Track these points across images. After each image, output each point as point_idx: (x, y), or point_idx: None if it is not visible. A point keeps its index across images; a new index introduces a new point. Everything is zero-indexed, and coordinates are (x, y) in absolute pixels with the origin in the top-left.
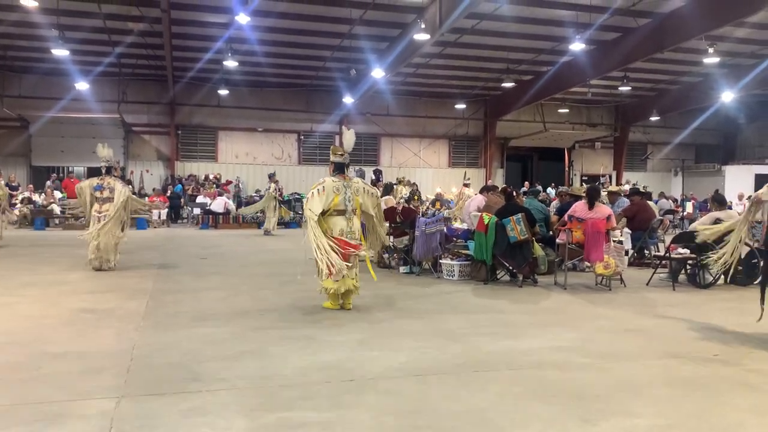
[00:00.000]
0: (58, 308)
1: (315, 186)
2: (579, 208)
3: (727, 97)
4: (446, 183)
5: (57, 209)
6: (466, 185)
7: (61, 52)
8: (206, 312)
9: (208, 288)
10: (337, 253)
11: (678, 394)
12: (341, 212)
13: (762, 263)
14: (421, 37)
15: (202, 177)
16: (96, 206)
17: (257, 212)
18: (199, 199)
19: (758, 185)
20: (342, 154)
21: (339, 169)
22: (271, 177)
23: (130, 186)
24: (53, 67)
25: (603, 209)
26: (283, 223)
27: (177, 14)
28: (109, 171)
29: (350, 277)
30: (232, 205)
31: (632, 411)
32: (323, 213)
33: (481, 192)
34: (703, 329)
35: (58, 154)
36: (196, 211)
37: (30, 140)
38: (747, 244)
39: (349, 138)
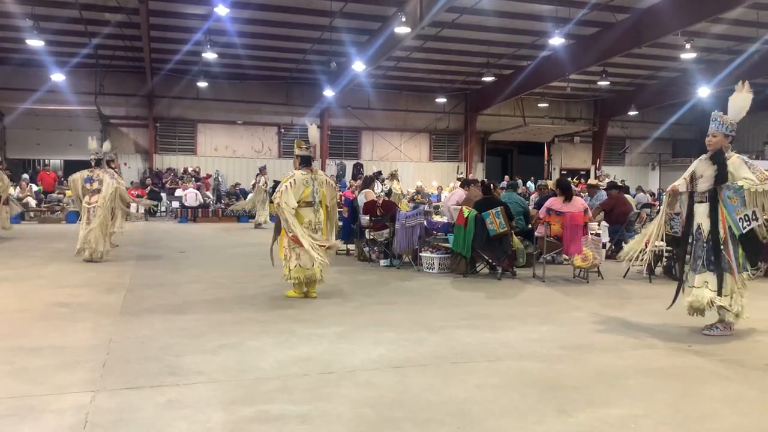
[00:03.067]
0: (33, 302)
1: (286, 179)
2: (556, 201)
3: (704, 92)
4: (427, 177)
5: (32, 202)
6: (459, 179)
7: (35, 43)
8: (184, 305)
9: (187, 281)
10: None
11: (653, 385)
12: (309, 204)
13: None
14: (401, 30)
15: (181, 170)
16: (86, 198)
17: (249, 207)
18: (178, 192)
19: None
20: (308, 148)
21: (306, 162)
22: (262, 170)
23: (117, 178)
24: (28, 58)
25: (578, 202)
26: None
27: (155, 5)
28: (98, 163)
29: (317, 267)
30: (206, 197)
31: (608, 401)
32: None
33: (461, 186)
34: (677, 320)
35: (33, 147)
36: (175, 204)
37: (4, 132)
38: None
39: (313, 132)
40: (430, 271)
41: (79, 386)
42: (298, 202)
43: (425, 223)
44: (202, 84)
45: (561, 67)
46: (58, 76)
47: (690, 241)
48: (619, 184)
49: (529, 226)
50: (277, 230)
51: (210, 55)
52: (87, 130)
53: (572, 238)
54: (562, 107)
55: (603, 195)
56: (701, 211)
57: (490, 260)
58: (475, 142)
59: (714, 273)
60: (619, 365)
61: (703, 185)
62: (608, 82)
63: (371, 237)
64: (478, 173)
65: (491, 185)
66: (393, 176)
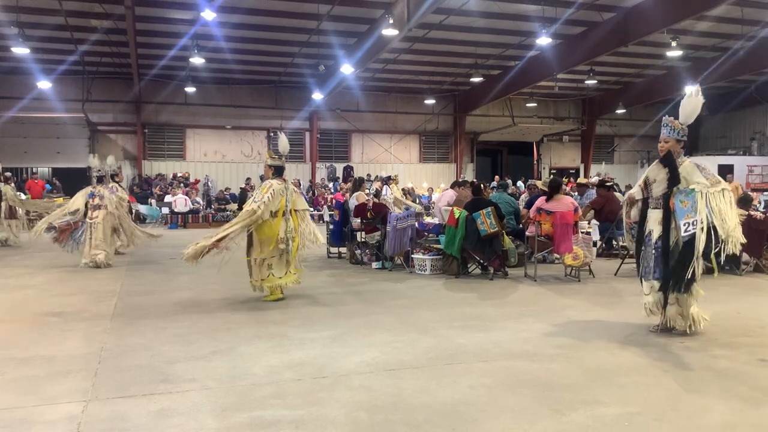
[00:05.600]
0: (23, 312)
1: (266, 190)
2: (544, 200)
3: (690, 89)
4: (417, 178)
5: (20, 211)
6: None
7: (21, 51)
8: (176, 312)
9: (178, 288)
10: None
11: (646, 382)
12: (282, 214)
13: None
14: (389, 32)
15: (171, 176)
16: (89, 213)
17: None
18: (168, 198)
19: (721, 175)
20: (280, 158)
21: (278, 173)
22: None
23: (118, 190)
24: (14, 66)
25: (568, 201)
26: None
27: (141, 11)
28: (101, 180)
29: (292, 272)
30: (196, 203)
31: (601, 399)
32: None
33: (452, 187)
34: None
35: (20, 155)
36: (165, 210)
37: None
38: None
39: (283, 141)
40: (422, 272)
41: (70, 396)
42: (272, 212)
43: (416, 225)
44: (190, 89)
45: (548, 67)
46: (44, 84)
47: (642, 247)
48: (607, 182)
49: (520, 225)
50: (249, 242)
51: (197, 60)
52: (75, 138)
53: (563, 236)
54: (551, 107)
55: (592, 194)
56: (654, 218)
57: (482, 260)
58: (465, 142)
59: (657, 280)
60: (611, 363)
61: (657, 190)
62: (596, 81)
63: (363, 239)
64: (469, 174)
65: (481, 186)
66: (393, 180)
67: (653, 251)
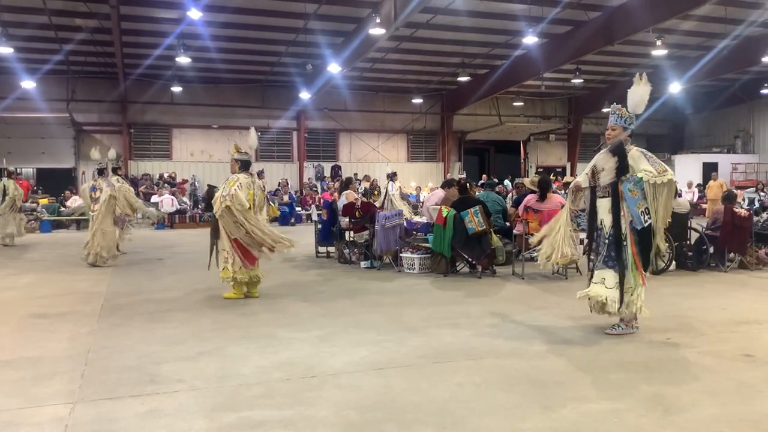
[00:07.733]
0: (7, 314)
1: (233, 183)
2: (533, 199)
3: (675, 88)
4: (405, 177)
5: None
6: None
7: (4, 50)
8: (163, 313)
9: (165, 288)
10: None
11: (634, 378)
12: (250, 207)
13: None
14: (376, 31)
15: (157, 176)
16: (92, 206)
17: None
18: (154, 198)
19: (706, 173)
20: (246, 152)
21: (245, 167)
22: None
23: (119, 184)
24: None
25: (556, 199)
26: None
27: (126, 10)
28: (101, 173)
29: (258, 267)
30: (183, 203)
31: (590, 396)
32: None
33: (442, 186)
34: (655, 314)
35: (5, 156)
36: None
37: None
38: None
39: (252, 136)
40: (411, 271)
41: (57, 398)
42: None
43: (405, 224)
44: (176, 88)
45: (535, 66)
46: (28, 84)
47: (594, 237)
48: None
49: (508, 224)
50: (215, 234)
51: (183, 60)
52: (60, 138)
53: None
54: (537, 105)
55: None
56: (604, 206)
57: (470, 259)
58: (453, 141)
59: (613, 269)
60: (600, 360)
61: (605, 178)
62: (582, 80)
63: (351, 239)
64: (456, 173)
65: (467, 184)
66: (393, 177)
67: (606, 240)
